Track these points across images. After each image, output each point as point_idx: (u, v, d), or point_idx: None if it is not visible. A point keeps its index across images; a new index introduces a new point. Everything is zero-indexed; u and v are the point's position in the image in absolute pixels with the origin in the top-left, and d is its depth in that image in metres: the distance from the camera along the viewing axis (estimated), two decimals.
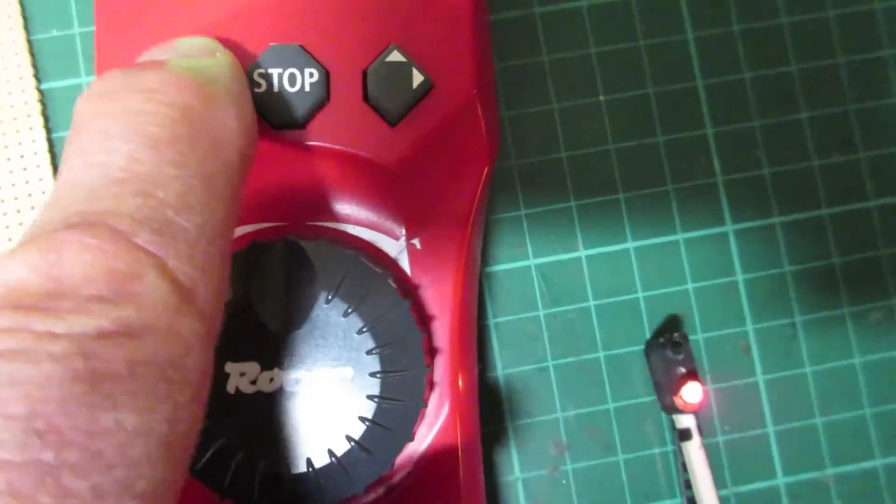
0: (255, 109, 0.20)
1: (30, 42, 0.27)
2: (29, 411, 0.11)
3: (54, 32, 0.27)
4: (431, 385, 0.21)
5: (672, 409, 0.25)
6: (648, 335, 0.27)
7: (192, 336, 0.14)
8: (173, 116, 0.15)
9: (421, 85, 0.20)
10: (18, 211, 0.26)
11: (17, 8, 0.27)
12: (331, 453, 0.19)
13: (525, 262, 0.27)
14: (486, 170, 0.22)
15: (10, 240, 0.26)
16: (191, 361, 0.14)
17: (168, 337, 0.13)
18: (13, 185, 0.26)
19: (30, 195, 0.26)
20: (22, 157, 0.26)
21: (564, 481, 0.26)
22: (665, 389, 0.25)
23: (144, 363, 0.13)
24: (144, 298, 0.13)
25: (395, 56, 0.20)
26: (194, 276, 0.14)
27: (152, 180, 0.14)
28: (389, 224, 0.21)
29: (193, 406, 0.14)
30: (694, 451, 0.25)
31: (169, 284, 0.13)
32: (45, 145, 0.26)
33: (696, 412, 0.25)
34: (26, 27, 0.27)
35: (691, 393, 0.25)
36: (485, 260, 0.27)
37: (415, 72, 0.20)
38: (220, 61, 0.17)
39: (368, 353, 0.19)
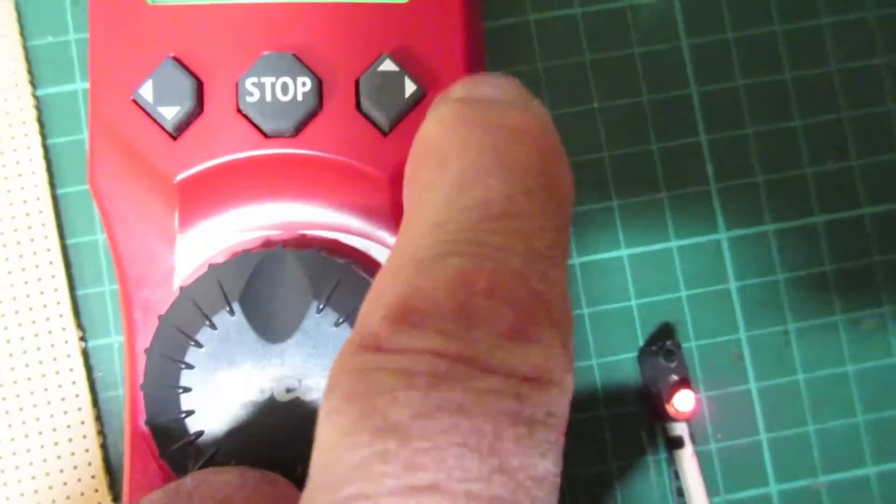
0: (248, 117, 0.20)
1: (25, 48, 0.27)
2: (489, 447, 0.11)
3: (50, 39, 0.27)
4: None
5: (665, 417, 0.26)
6: (641, 342, 0.27)
7: (570, 390, 0.13)
8: (537, 163, 0.14)
9: (413, 94, 0.20)
10: (13, 217, 0.26)
11: (13, 14, 0.27)
12: None
13: None
14: None
15: (4, 245, 0.26)
16: (567, 414, 0.13)
17: (562, 389, 0.12)
18: (8, 191, 0.26)
19: (25, 202, 0.26)
20: (17, 163, 0.26)
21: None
22: (658, 397, 0.25)
23: (554, 413, 0.12)
24: (545, 346, 0.12)
25: (388, 65, 0.20)
26: (567, 328, 0.13)
27: (529, 227, 0.13)
28: (382, 233, 0.21)
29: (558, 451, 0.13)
30: (686, 458, 0.25)
31: (555, 335, 0.13)
32: (40, 151, 0.27)
33: (689, 420, 0.25)
34: (22, 33, 0.27)
35: (684, 401, 0.25)
36: None
37: (407, 81, 0.20)
38: (543, 108, 0.16)
39: None
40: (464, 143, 0.14)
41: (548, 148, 0.14)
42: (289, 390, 0.19)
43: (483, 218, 0.13)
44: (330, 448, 0.11)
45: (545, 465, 0.12)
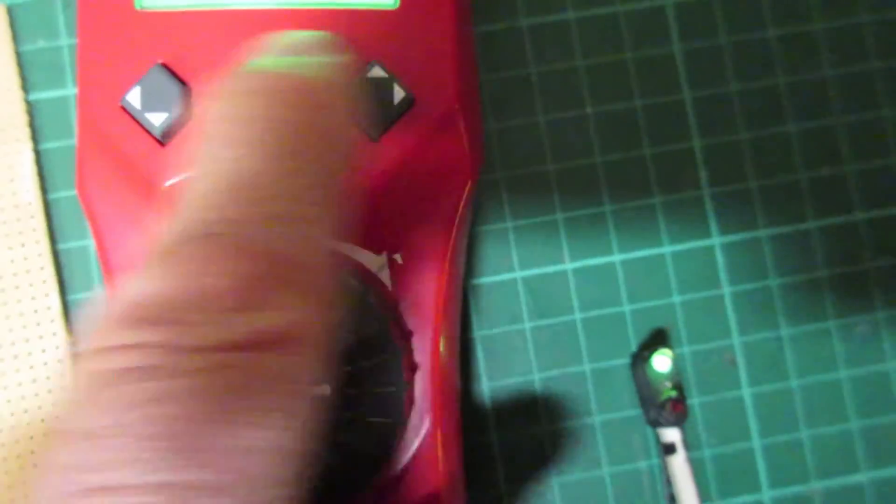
0: None
1: (17, 53, 0.27)
2: (168, 431, 0.11)
3: (41, 44, 0.27)
4: (412, 401, 0.21)
5: (657, 423, 0.25)
6: (634, 348, 0.27)
7: (318, 349, 0.13)
8: (296, 124, 0.14)
9: (403, 101, 0.20)
10: (4, 222, 0.26)
11: (5, 18, 0.27)
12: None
13: (511, 274, 0.27)
14: (468, 184, 0.22)
15: None
16: (313, 375, 0.13)
17: (299, 350, 0.13)
18: None
19: (16, 206, 0.26)
20: (9, 167, 0.26)
21: (550, 495, 0.26)
22: (650, 403, 0.25)
23: (279, 377, 0.12)
24: (274, 310, 0.12)
25: (377, 72, 0.20)
26: (317, 289, 0.14)
27: (276, 191, 0.14)
28: (371, 239, 0.21)
29: (314, 421, 0.13)
30: (679, 464, 0.25)
31: (296, 296, 0.13)
32: (31, 156, 0.26)
33: (682, 426, 0.25)
34: (13, 38, 0.27)
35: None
36: (470, 272, 0.27)
37: (396, 87, 0.20)
38: (333, 61, 0.16)
39: (347, 370, 0.19)
40: (217, 116, 0.14)
41: (313, 104, 0.15)
42: None
43: (225, 191, 0.13)
44: (46, 454, 0.12)
45: (254, 434, 0.12)
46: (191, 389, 0.11)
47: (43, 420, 0.25)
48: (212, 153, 0.14)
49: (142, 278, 0.12)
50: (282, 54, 0.16)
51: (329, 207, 0.14)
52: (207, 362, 0.12)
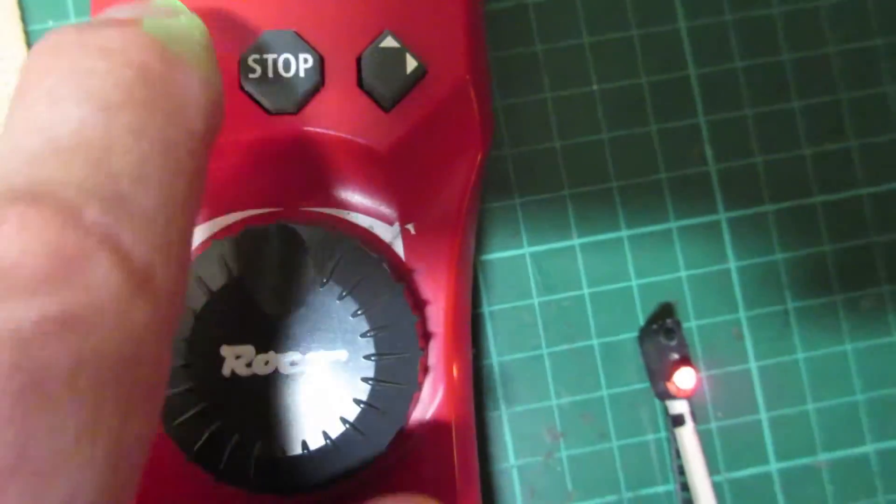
0: (250, 95, 0.20)
1: (26, 33, 0.27)
2: None
3: (50, 24, 0.27)
4: (426, 369, 0.21)
5: (665, 396, 0.26)
6: (642, 322, 0.27)
7: (146, 327, 0.12)
8: (130, 78, 0.13)
9: (415, 70, 0.21)
10: None
11: None
12: (325, 435, 0.19)
13: (519, 250, 0.27)
14: (479, 156, 0.22)
15: None
16: (144, 356, 0.12)
17: (119, 328, 0.11)
18: None
19: None
20: None
21: (559, 468, 0.26)
22: (658, 376, 0.26)
23: (92, 359, 0.11)
24: (93, 283, 0.11)
25: (389, 42, 0.20)
26: (151, 258, 0.12)
27: (105, 148, 0.12)
28: (384, 209, 0.21)
29: (146, 406, 0.12)
30: (687, 436, 0.25)
31: (121, 267, 0.12)
32: None
33: (690, 398, 0.26)
34: (23, 18, 0.27)
35: (684, 378, 0.25)
36: (479, 248, 0.27)
37: (408, 57, 0.20)
38: (185, 23, 0.16)
39: (363, 336, 0.19)
40: (44, 70, 0.13)
41: (151, 62, 0.14)
42: (292, 364, 0.19)
43: (46, 149, 0.12)
44: None
45: (57, 421, 0.10)
46: None
47: None
48: (25, 107, 0.13)
49: None
50: (126, 14, 0.15)
51: (174, 171, 0.13)
52: (12, 340, 0.10)
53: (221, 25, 0.21)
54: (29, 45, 0.27)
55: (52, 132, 0.12)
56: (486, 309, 0.27)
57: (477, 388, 0.26)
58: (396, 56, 0.20)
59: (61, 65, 0.13)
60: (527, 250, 0.27)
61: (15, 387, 0.10)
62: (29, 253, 0.11)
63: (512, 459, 0.26)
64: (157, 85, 0.14)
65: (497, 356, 0.27)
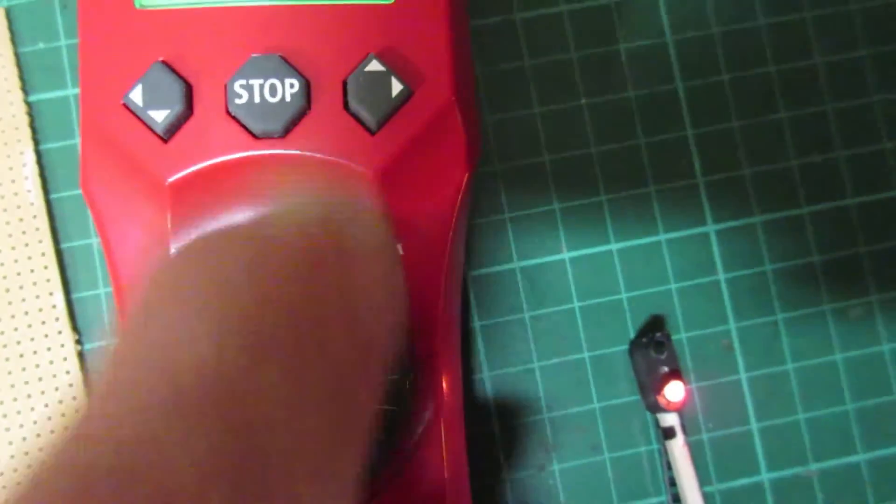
0: (237, 119, 0.21)
1: (17, 55, 0.27)
2: None
3: (41, 45, 0.27)
4: (415, 389, 0.21)
5: (656, 408, 0.26)
6: (632, 335, 0.27)
7: None
8: (303, 304, 0.10)
9: (400, 93, 0.21)
10: (7, 223, 0.26)
11: (4, 21, 0.27)
12: None
13: (510, 264, 0.27)
14: (466, 175, 0.22)
15: None
16: None
17: None
18: (2, 196, 0.26)
19: (19, 207, 0.26)
20: (10, 169, 0.27)
21: (551, 481, 0.27)
22: (649, 389, 0.26)
23: None
24: None
25: (374, 65, 0.21)
26: None
27: (252, 402, 0.09)
28: None
29: None
30: (678, 448, 0.26)
31: None
32: (33, 157, 0.27)
33: (680, 411, 0.26)
34: (13, 40, 0.27)
35: (674, 392, 0.25)
36: (470, 263, 0.27)
37: (394, 80, 0.21)
38: (353, 203, 0.12)
39: None
40: (176, 279, 0.10)
41: (326, 277, 0.10)
42: None
43: (169, 399, 0.09)
44: None
45: None
46: None
47: (49, 418, 0.26)
48: (157, 332, 0.09)
49: None
50: (276, 198, 0.11)
51: (353, 425, 0.10)
52: None
53: (208, 51, 0.21)
54: (20, 67, 0.27)
55: (197, 376, 0.09)
56: (476, 324, 0.27)
57: (468, 403, 0.26)
58: (382, 79, 0.21)
59: (216, 275, 0.10)
60: (517, 265, 0.27)
61: None
62: None
63: (505, 473, 0.27)
64: (349, 316, 0.10)
65: (488, 371, 0.27)
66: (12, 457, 0.25)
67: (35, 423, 0.26)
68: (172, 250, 0.18)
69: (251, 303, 0.10)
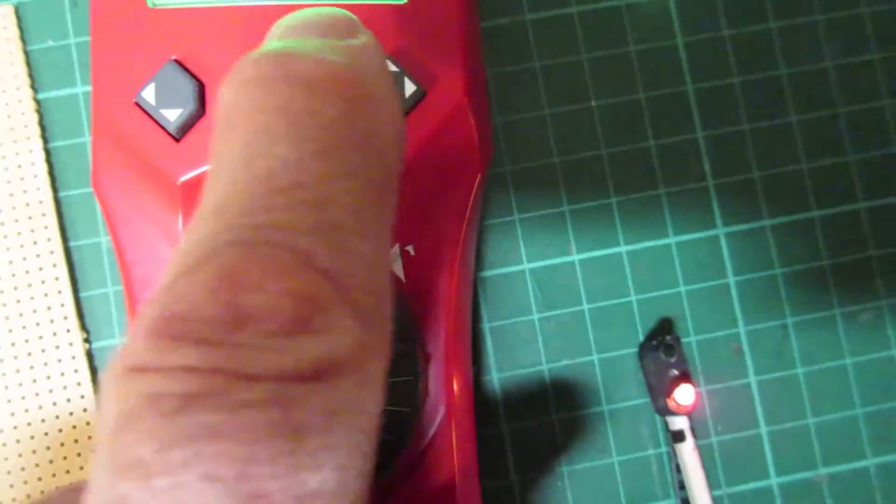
0: None
1: (26, 53, 0.27)
2: (237, 473, 0.10)
3: (50, 43, 0.27)
4: (426, 390, 0.21)
5: (665, 412, 0.26)
6: (641, 338, 0.27)
7: (376, 377, 0.11)
8: (337, 117, 0.12)
9: (413, 94, 0.21)
10: (16, 220, 0.26)
11: (13, 19, 0.27)
12: None
13: (519, 266, 0.27)
14: (478, 176, 0.22)
15: (7, 249, 0.26)
16: (374, 406, 0.11)
17: (358, 379, 0.11)
18: (11, 195, 0.26)
19: (27, 205, 0.26)
20: (19, 167, 0.27)
21: (560, 484, 0.26)
22: (658, 392, 0.26)
23: (339, 411, 0.11)
24: (333, 334, 0.11)
25: (389, 66, 0.21)
26: (373, 308, 0.12)
27: (325, 194, 0.12)
28: None
29: (372, 455, 0.12)
30: (687, 452, 0.26)
31: (354, 318, 0.11)
32: (42, 155, 0.27)
33: (690, 414, 0.26)
34: (22, 38, 0.27)
35: (684, 395, 0.25)
36: (479, 264, 0.27)
37: (407, 81, 0.21)
38: (368, 45, 0.14)
39: None
40: (250, 106, 0.12)
41: (354, 96, 0.13)
42: None
43: (268, 192, 0.11)
44: (89, 486, 0.10)
45: (319, 477, 0.10)
46: (248, 425, 0.10)
47: (57, 416, 0.26)
48: (240, 146, 0.12)
49: (173, 290, 0.11)
50: (305, 36, 0.14)
51: (383, 218, 0.12)
52: (265, 394, 0.10)
53: (220, 49, 0.21)
54: (30, 64, 0.27)
55: (273, 176, 0.12)
56: (486, 325, 0.27)
57: (477, 404, 0.26)
58: (395, 79, 0.21)
59: (271, 102, 0.12)
60: (526, 266, 0.27)
61: (284, 446, 0.10)
62: (273, 304, 0.10)
63: (513, 475, 0.27)
64: (361, 123, 0.13)
65: (497, 372, 0.27)
66: (20, 455, 0.25)
67: (43, 421, 0.25)
68: None
69: (310, 126, 0.12)
